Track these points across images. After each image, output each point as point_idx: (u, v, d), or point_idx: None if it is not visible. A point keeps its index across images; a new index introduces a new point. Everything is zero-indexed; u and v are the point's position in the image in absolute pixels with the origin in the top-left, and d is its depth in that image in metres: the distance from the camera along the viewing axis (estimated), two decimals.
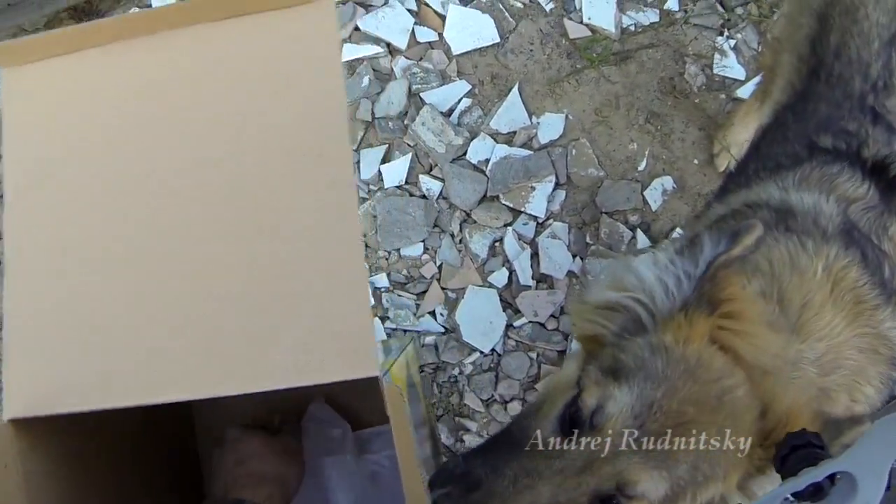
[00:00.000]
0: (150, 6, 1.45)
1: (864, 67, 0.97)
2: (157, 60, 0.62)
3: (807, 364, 0.68)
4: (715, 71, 1.45)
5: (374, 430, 0.94)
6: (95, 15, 1.48)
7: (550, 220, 1.35)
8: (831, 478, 0.45)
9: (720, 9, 1.48)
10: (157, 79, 0.62)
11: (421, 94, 1.36)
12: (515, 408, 1.31)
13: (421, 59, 1.38)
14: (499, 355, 1.31)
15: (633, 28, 1.45)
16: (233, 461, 0.81)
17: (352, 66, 1.38)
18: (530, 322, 1.31)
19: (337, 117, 0.58)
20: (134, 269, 0.57)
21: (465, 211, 1.33)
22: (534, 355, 1.31)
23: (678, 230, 1.36)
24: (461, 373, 1.31)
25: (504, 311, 1.32)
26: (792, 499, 0.46)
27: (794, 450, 0.50)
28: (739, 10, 1.48)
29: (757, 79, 1.41)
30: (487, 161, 1.35)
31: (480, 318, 1.31)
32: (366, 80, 1.36)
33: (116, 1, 1.48)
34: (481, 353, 1.31)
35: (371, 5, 1.40)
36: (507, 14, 1.42)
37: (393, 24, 1.39)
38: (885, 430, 0.45)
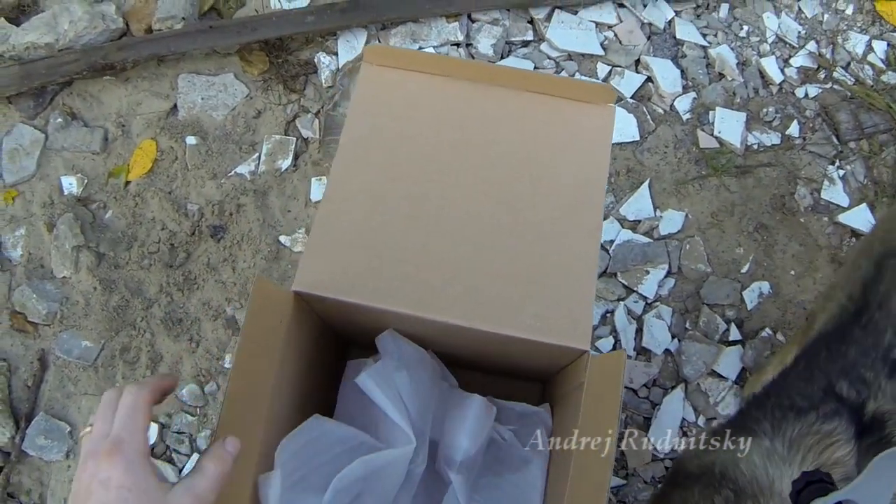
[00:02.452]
0: (335, 53, 1.86)
1: None
2: (479, 102, 1.01)
3: None
4: (822, 195, 1.83)
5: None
6: (284, 51, 1.89)
7: (657, 303, 1.73)
8: None
9: (835, 140, 1.88)
10: (474, 115, 1.00)
11: None
12: None
13: None
14: None
15: (756, 146, 1.85)
16: None
17: None
18: (625, 388, 1.68)
19: (597, 189, 0.96)
20: (429, 221, 0.93)
21: (596, 278, 1.72)
22: (623, 416, 1.67)
23: (767, 330, 1.73)
24: None
25: None
26: None
27: (808, 484, 0.65)
28: (852, 145, 1.88)
29: (862, 206, 1.81)
30: (612, 242, 1.74)
31: None
32: None
33: (305, 43, 1.90)
34: None
35: None
36: (648, 117, 1.83)
37: None
38: (887, 463, 0.59)
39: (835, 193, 1.84)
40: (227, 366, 1.68)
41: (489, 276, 0.91)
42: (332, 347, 1.13)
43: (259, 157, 1.82)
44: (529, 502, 1.00)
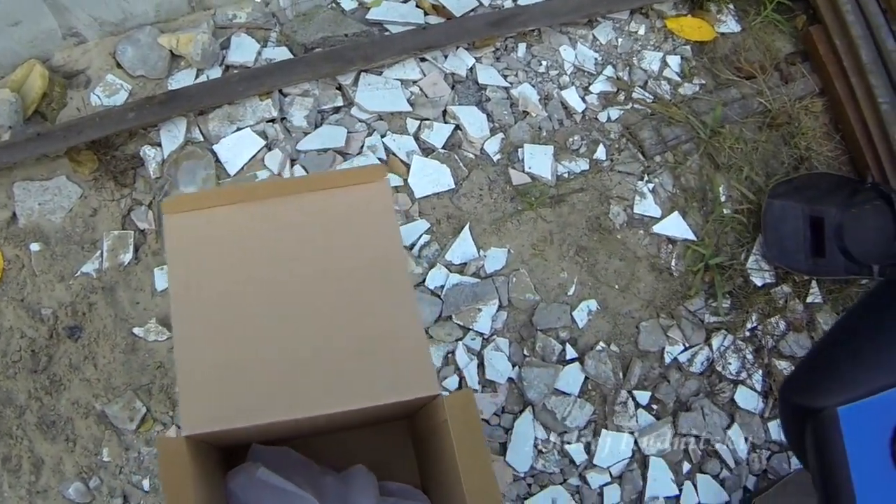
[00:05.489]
0: (159, 144, 2.09)
1: None
2: (277, 215, 1.22)
3: None
4: (635, 210, 2.13)
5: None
6: (110, 147, 2.11)
7: (494, 336, 2.00)
8: None
9: (641, 157, 2.17)
10: (276, 228, 1.22)
11: None
12: None
13: None
14: None
15: (566, 175, 2.13)
16: None
17: None
18: None
19: (396, 253, 1.19)
20: (274, 334, 1.14)
21: (424, 329, 1.98)
22: None
23: (600, 343, 2.01)
24: None
25: None
26: None
27: None
28: (658, 158, 2.17)
29: (674, 214, 2.10)
30: (442, 287, 2.00)
31: None
32: None
33: (129, 137, 2.12)
34: None
35: (348, 153, 2.07)
36: (460, 164, 2.10)
37: None
38: None
39: (647, 206, 2.14)
40: (105, 459, 1.90)
41: (337, 361, 1.12)
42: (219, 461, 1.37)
43: (101, 255, 2.03)
44: None
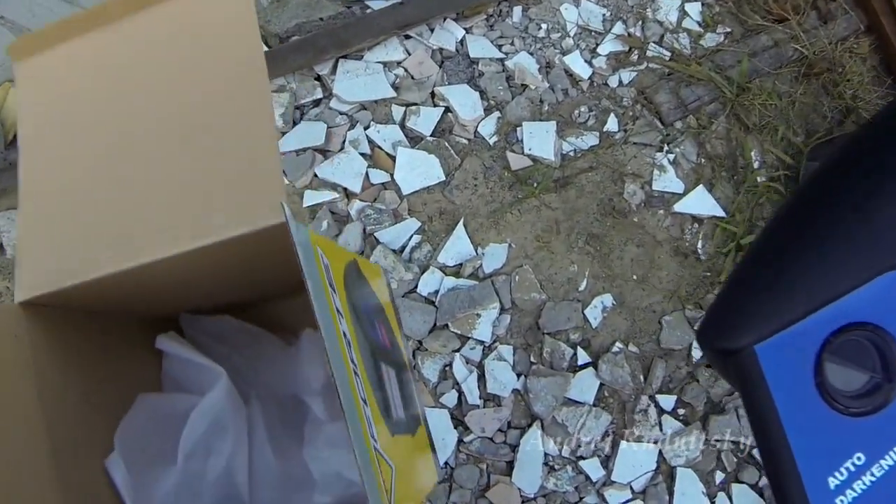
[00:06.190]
0: None
1: None
2: (129, 38, 1.06)
3: None
4: (654, 187, 1.88)
5: None
6: None
7: (496, 344, 1.82)
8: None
9: (659, 124, 1.91)
10: (127, 52, 1.05)
11: (375, 234, 1.85)
12: None
13: (374, 200, 1.87)
14: (451, 468, 1.79)
15: (572, 153, 1.90)
16: None
17: (312, 211, 1.87)
18: (479, 437, 1.79)
19: (255, 60, 1.00)
20: (116, 180, 0.97)
21: (417, 341, 1.82)
22: (483, 466, 1.78)
23: (617, 344, 1.81)
24: None
25: (455, 428, 1.80)
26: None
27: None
28: (678, 124, 1.91)
29: (698, 188, 1.85)
30: (436, 293, 1.83)
31: (434, 436, 1.79)
32: (325, 224, 1.85)
33: None
34: None
35: (329, 151, 1.89)
36: (452, 152, 1.90)
37: (348, 169, 1.88)
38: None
39: (667, 181, 1.89)
40: None
41: (177, 202, 0.96)
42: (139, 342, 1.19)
43: None
44: None
